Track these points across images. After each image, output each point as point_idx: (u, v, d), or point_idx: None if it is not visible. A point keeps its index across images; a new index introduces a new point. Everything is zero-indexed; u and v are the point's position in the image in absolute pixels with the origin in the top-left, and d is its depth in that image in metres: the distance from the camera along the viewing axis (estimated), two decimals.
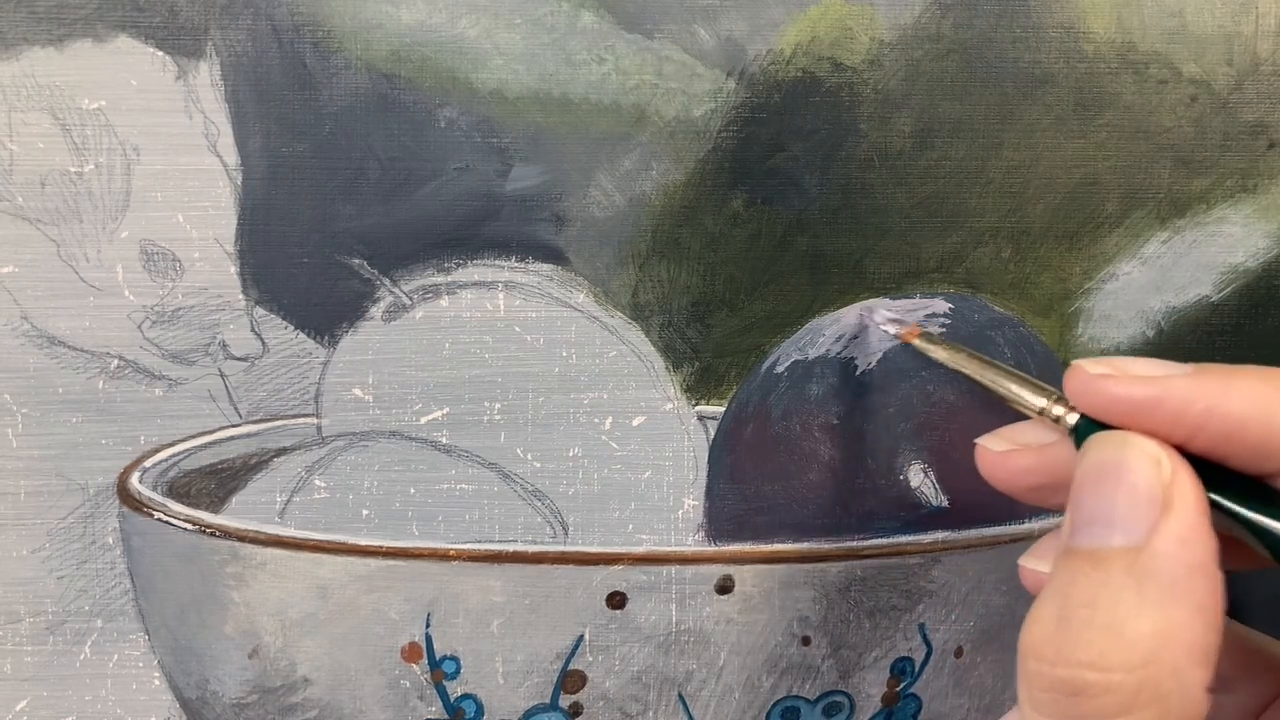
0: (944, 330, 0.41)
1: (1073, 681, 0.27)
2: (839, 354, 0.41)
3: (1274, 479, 0.28)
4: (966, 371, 0.36)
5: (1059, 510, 0.30)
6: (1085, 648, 0.27)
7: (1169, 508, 0.27)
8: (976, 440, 0.33)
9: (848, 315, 0.42)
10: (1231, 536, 0.28)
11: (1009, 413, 0.41)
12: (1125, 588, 0.27)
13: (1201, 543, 0.27)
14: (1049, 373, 0.41)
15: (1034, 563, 0.33)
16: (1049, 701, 0.27)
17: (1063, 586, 0.28)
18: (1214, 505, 0.28)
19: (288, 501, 0.42)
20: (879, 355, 0.41)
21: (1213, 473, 0.28)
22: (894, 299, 0.43)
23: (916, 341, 0.38)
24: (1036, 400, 0.33)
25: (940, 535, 0.40)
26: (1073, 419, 0.31)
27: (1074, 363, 0.31)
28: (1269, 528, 0.28)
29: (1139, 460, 0.28)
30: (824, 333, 0.42)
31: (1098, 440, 0.29)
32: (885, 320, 0.40)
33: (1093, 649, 0.27)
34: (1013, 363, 0.41)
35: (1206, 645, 0.27)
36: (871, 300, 0.42)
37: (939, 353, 0.37)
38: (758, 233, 0.43)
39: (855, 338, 0.41)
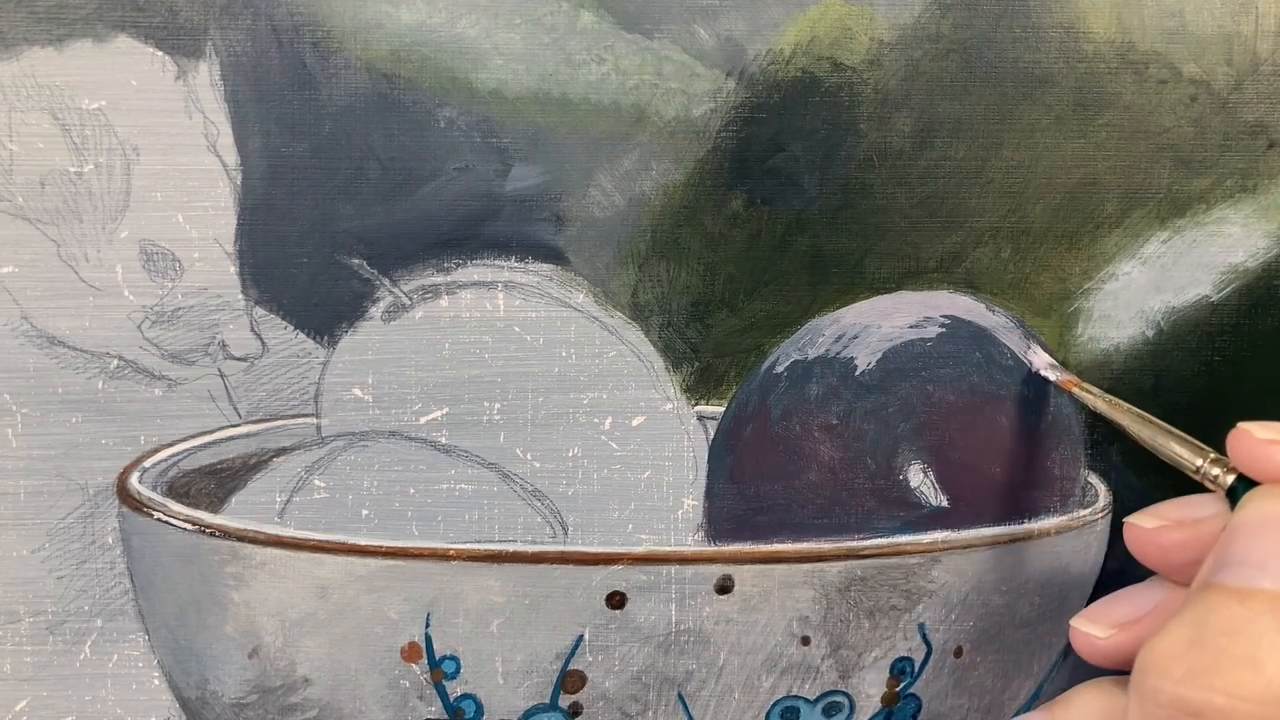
0: (944, 329, 0.41)
1: (1198, 703, 0.27)
2: (839, 354, 0.41)
3: None
4: (1123, 424, 0.36)
5: None
6: (1219, 674, 0.27)
7: None
8: (1126, 519, 0.34)
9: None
10: None
11: (1009, 415, 0.41)
12: (1270, 628, 0.27)
13: None
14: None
15: (1087, 626, 0.33)
16: (1165, 718, 0.27)
17: (1202, 614, 0.28)
18: None
19: (287, 501, 0.42)
20: (879, 355, 0.41)
21: None
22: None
23: (1075, 390, 0.38)
24: (1193, 459, 0.33)
25: (940, 535, 0.40)
26: (1229, 479, 0.32)
27: (1240, 426, 0.31)
28: None
29: None
30: (824, 333, 0.42)
31: (1268, 491, 0.30)
32: (1045, 365, 0.40)
33: (1227, 676, 0.27)
34: (1013, 362, 0.41)
35: None
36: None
37: (1097, 403, 0.37)
38: (757, 233, 0.43)
39: (855, 338, 0.41)
